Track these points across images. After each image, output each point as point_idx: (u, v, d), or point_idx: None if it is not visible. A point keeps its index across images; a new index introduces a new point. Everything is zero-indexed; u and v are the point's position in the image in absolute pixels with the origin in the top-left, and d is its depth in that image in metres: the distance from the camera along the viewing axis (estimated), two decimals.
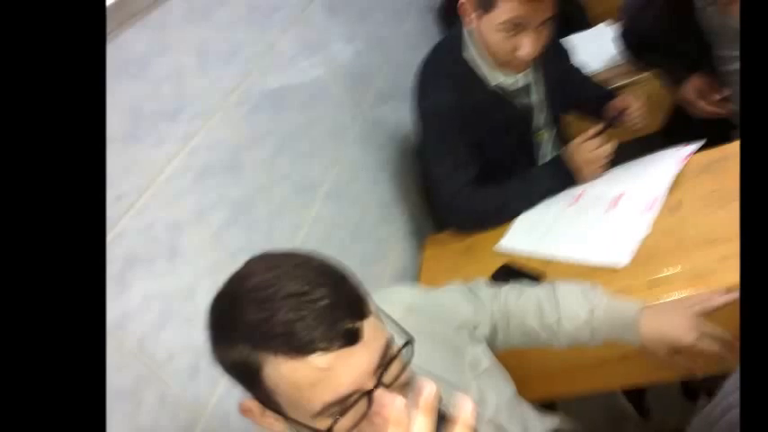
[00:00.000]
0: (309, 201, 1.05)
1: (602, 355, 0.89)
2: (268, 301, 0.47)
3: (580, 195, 1.18)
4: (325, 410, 0.48)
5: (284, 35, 1.08)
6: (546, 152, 1.35)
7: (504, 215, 1.23)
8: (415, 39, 1.80)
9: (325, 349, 0.46)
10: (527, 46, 1.07)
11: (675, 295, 0.88)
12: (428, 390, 0.40)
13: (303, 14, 1.17)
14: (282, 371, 0.47)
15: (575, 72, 1.45)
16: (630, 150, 1.25)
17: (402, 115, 1.44)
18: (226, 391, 0.74)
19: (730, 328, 0.76)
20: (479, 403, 0.71)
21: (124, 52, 0.70)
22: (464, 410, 0.40)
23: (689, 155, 1.12)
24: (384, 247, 1.27)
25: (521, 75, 1.20)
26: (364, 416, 0.48)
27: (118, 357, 0.62)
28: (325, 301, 0.47)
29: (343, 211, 1.15)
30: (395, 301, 0.75)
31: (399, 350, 0.51)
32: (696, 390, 1.30)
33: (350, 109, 1.28)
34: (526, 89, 1.24)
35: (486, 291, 0.90)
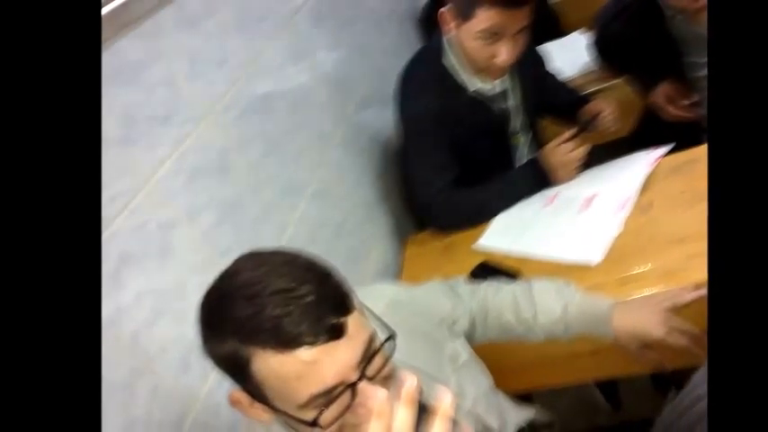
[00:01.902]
0: (295, 201, 1.06)
1: (575, 349, 0.90)
2: (256, 298, 0.48)
3: (555, 196, 1.20)
4: (310, 402, 0.49)
5: (272, 43, 1.09)
6: (522, 155, 1.36)
7: (482, 215, 1.24)
8: (397, 46, 1.80)
9: (311, 343, 0.47)
10: (504, 53, 1.09)
11: (646, 292, 0.90)
12: (410, 382, 0.41)
13: (290, 23, 1.17)
14: (270, 364, 0.48)
15: (550, 78, 1.46)
16: (603, 153, 1.27)
17: (384, 119, 1.45)
18: (216, 384, 0.75)
19: (698, 324, 0.78)
20: (458, 395, 0.72)
21: (119, 59, 0.71)
22: (444, 402, 0.41)
23: (659, 157, 1.13)
24: (367, 245, 1.28)
25: (498, 81, 1.21)
26: (348, 407, 0.50)
27: (113, 351, 0.62)
28: (310, 298, 0.48)
29: (327, 212, 1.16)
30: (377, 298, 0.76)
31: (382, 344, 0.52)
32: (666, 382, 1.31)
33: (334, 114, 1.29)
34: (503, 94, 1.26)
35: (465, 287, 0.92)
